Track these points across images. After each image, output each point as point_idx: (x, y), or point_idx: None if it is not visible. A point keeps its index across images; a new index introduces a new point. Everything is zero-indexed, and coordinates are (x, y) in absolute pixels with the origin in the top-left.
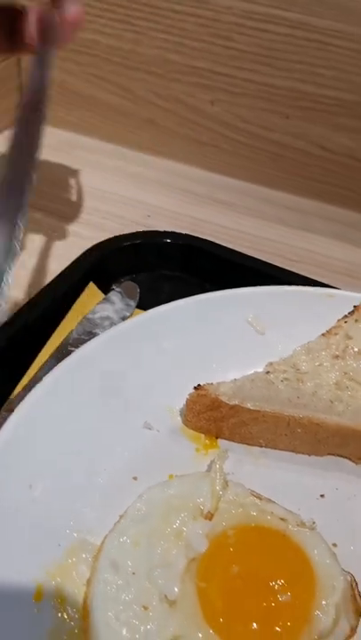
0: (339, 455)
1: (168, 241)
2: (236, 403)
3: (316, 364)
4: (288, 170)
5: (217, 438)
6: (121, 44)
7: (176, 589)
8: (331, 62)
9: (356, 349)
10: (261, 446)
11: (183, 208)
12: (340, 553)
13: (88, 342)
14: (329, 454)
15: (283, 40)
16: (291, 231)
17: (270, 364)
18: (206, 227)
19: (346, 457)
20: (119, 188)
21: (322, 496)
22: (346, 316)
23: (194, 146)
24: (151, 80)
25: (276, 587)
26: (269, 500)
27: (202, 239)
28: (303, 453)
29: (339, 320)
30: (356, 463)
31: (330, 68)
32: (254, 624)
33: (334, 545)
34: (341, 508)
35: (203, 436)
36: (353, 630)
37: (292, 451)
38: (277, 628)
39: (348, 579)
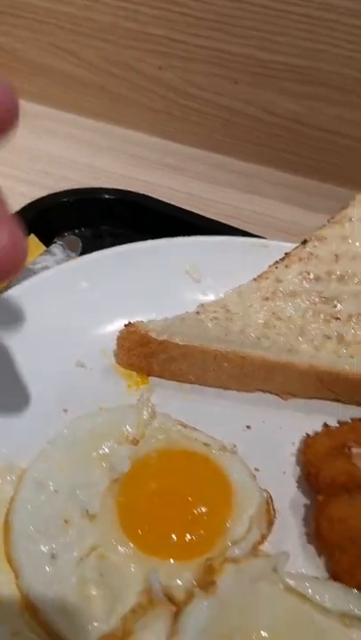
0: (267, 391)
1: (110, 197)
2: (165, 338)
3: (247, 305)
4: (238, 135)
5: (148, 376)
6: (75, 12)
7: (96, 504)
8: (284, 29)
9: (285, 292)
10: (192, 383)
11: (134, 172)
12: (260, 476)
13: (23, 282)
14: (257, 390)
15: (238, 7)
16: (240, 195)
17: (201, 305)
18: (156, 190)
19: (274, 393)
20: (71, 153)
21: (248, 427)
22: (277, 262)
23: (146, 113)
24: (105, 47)
25: (194, 502)
26: (195, 429)
27: (145, 195)
28: (232, 389)
29: (270, 266)
30: (285, 399)
31: (283, 35)
32: (171, 534)
33: (256, 470)
34: (266, 438)
35: (135, 374)
36: (263, 537)
37: (222, 387)
38: (192, 537)
39: (265, 495)
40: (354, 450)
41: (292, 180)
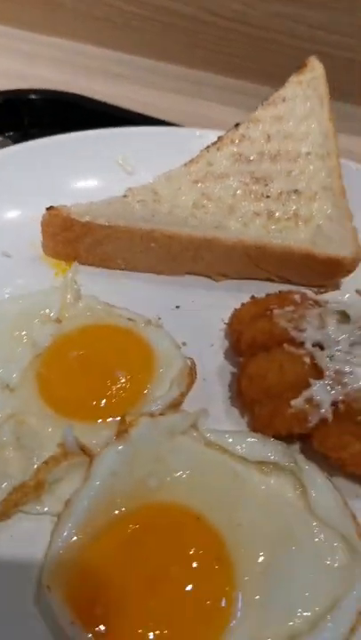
0: (198, 273)
1: (37, 97)
2: (88, 220)
3: (176, 188)
4: (180, 40)
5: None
6: None
7: (16, 378)
8: None
9: (216, 174)
10: (121, 268)
11: (74, 81)
12: (187, 349)
13: None
14: (188, 273)
15: None
16: (183, 99)
17: (129, 189)
18: (95, 97)
19: (205, 275)
20: (10, 64)
21: (177, 307)
22: (209, 146)
23: (88, 21)
24: None
25: (114, 369)
26: (121, 308)
27: (74, 94)
28: (163, 273)
29: (202, 150)
30: (216, 280)
31: None
32: (89, 398)
33: (184, 344)
34: (195, 315)
35: (63, 263)
36: (183, 395)
37: (152, 271)
38: (111, 399)
39: (188, 362)
40: (275, 311)
41: (233, 83)
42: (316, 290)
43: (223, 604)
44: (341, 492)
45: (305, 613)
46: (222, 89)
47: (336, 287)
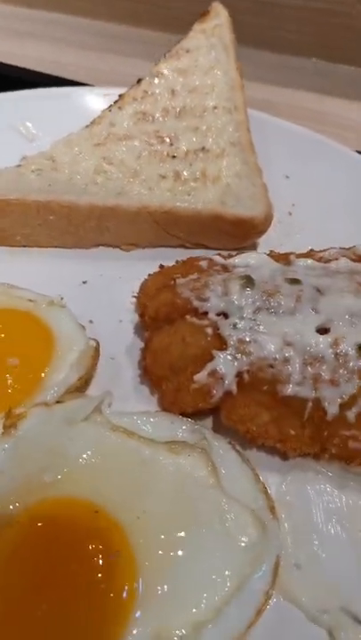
0: (106, 245)
1: None
2: None
3: (76, 153)
4: None
5: None
6: None
7: None
8: None
9: (118, 135)
10: (22, 245)
11: None
12: (94, 327)
13: None
14: (96, 245)
15: None
16: (92, 54)
17: (24, 157)
18: (3, 57)
19: (115, 245)
20: None
21: (84, 282)
22: (111, 106)
23: None
24: None
25: (7, 356)
26: (21, 289)
27: None
28: (67, 247)
29: (103, 110)
30: (126, 250)
31: None
32: None
33: (90, 322)
34: (103, 290)
35: None
36: (83, 379)
37: (56, 246)
38: (6, 390)
39: (92, 343)
40: (178, 281)
41: (151, 36)
42: (227, 254)
43: (125, 597)
44: (253, 466)
45: (211, 599)
46: (136, 41)
47: (253, 249)
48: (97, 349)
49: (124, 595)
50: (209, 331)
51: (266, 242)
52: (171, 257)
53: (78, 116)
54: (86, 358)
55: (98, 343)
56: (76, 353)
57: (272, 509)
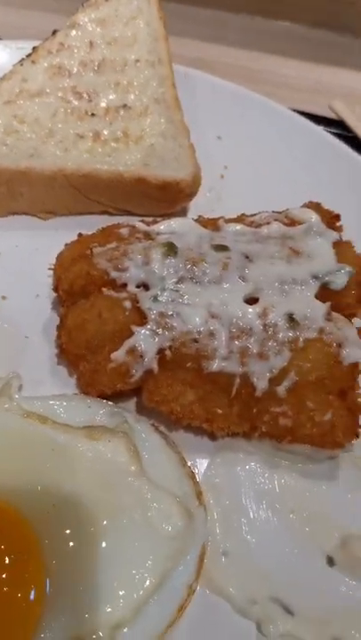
0: (21, 213)
1: None
2: None
3: None
4: None
5: None
6: None
7: None
8: None
9: (32, 91)
10: None
11: None
12: (8, 304)
13: None
14: (9, 213)
15: None
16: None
17: None
18: None
19: (31, 213)
20: None
21: None
22: (22, 60)
23: None
24: None
25: None
26: None
27: None
28: None
29: (14, 65)
30: (44, 218)
31: None
32: None
33: (4, 297)
34: (18, 262)
35: None
36: None
37: None
38: None
39: None
40: (95, 250)
41: None
42: (152, 219)
43: (31, 599)
44: (179, 449)
45: (129, 597)
46: None
47: (183, 215)
48: None
49: (31, 597)
50: (127, 304)
51: (196, 207)
52: (93, 225)
53: None
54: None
55: None
56: None
57: (199, 495)
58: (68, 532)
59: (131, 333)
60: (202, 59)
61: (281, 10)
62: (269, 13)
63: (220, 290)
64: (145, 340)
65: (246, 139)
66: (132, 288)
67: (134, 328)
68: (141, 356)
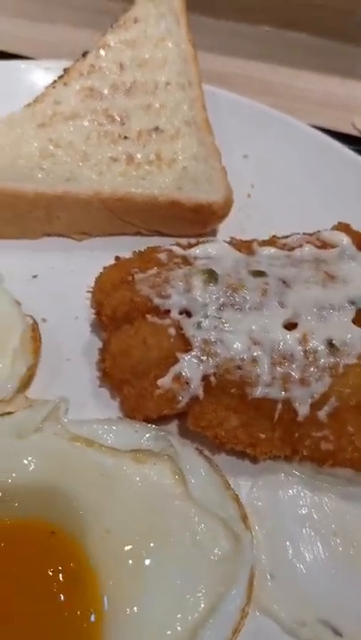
0: (56, 234)
1: None
2: None
3: (18, 134)
4: None
5: None
6: None
7: None
8: None
9: (65, 114)
10: None
11: None
12: (48, 326)
13: None
14: (45, 235)
15: None
16: (31, 23)
17: None
18: None
19: (66, 235)
20: None
21: (34, 277)
22: (55, 82)
23: None
24: None
25: None
26: None
27: None
28: (13, 238)
29: (47, 87)
30: (78, 240)
31: None
32: None
33: (44, 320)
34: (55, 284)
35: None
36: (31, 370)
37: (1, 237)
38: None
39: (30, 321)
40: (137, 276)
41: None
42: (187, 242)
43: (92, 621)
44: (224, 473)
45: (185, 620)
46: (79, 10)
47: (213, 235)
48: (34, 329)
49: (92, 619)
50: (172, 331)
51: (226, 225)
52: (126, 246)
53: (18, 92)
54: (27, 340)
55: (36, 323)
56: (17, 337)
57: (244, 518)
58: (121, 555)
59: (176, 360)
60: (217, 72)
61: (298, 21)
62: (284, 25)
63: (260, 316)
64: (190, 366)
65: (272, 157)
66: (175, 315)
67: (179, 355)
68: (187, 383)
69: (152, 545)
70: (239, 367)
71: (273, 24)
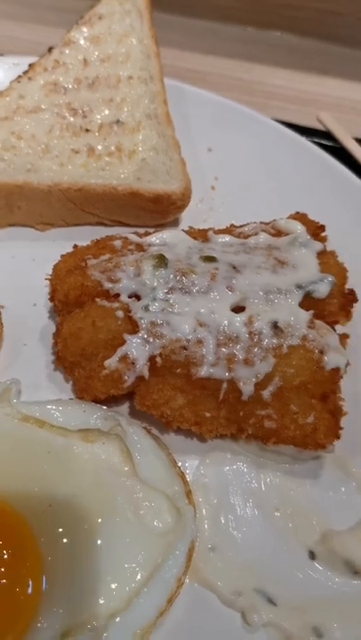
0: (19, 224)
1: None
2: None
3: None
4: None
5: None
6: None
7: None
8: None
9: (28, 108)
10: None
11: None
12: (6, 312)
13: None
14: (7, 225)
15: None
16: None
17: None
18: None
19: (28, 225)
20: None
21: None
22: (19, 77)
23: None
24: None
25: None
26: None
27: None
28: None
29: (12, 82)
30: (41, 230)
31: None
32: None
33: (2, 307)
34: (16, 272)
35: None
36: None
37: None
38: None
39: None
40: (89, 262)
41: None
42: (144, 231)
43: (29, 592)
44: (170, 450)
45: (122, 589)
46: (44, 7)
47: (175, 226)
48: None
49: (29, 590)
50: (120, 314)
51: (188, 217)
52: (88, 236)
53: None
54: None
55: None
56: None
57: (188, 494)
58: (63, 529)
59: (123, 341)
60: (194, 70)
61: (272, 20)
62: (261, 24)
63: (208, 299)
64: (137, 347)
65: (236, 151)
66: (124, 298)
67: (126, 336)
68: (133, 363)
69: (95, 519)
70: (185, 348)
71: (251, 24)
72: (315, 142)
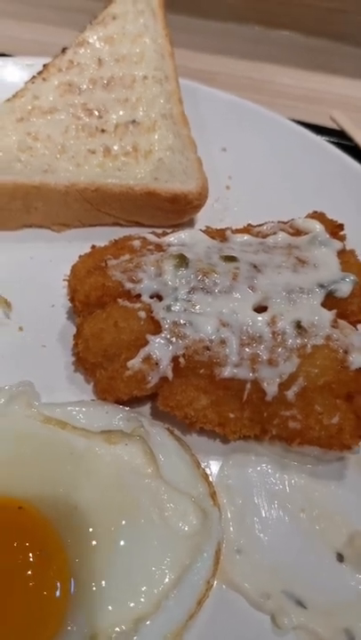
0: (36, 226)
1: None
2: None
3: None
4: None
5: None
6: None
7: None
8: None
9: (43, 109)
10: None
11: None
12: (23, 314)
13: None
14: (24, 226)
15: None
16: (11, 21)
17: None
18: None
19: (45, 226)
20: None
21: (12, 266)
22: (34, 77)
23: None
24: None
25: None
26: None
27: None
28: None
29: (26, 82)
30: (57, 231)
31: None
32: None
33: (20, 308)
34: (33, 274)
35: None
36: None
37: None
38: None
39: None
40: (110, 262)
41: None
42: (162, 231)
43: (58, 595)
44: (194, 452)
45: (150, 593)
46: (58, 8)
47: (191, 226)
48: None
49: (57, 593)
50: (142, 314)
51: (204, 217)
52: (105, 236)
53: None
54: None
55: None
56: None
57: (213, 496)
58: (89, 532)
59: (146, 342)
60: (204, 70)
61: (280, 19)
62: (269, 23)
63: (230, 299)
64: (160, 348)
65: (250, 150)
66: (146, 298)
67: (149, 337)
68: (157, 364)
69: (120, 521)
70: (208, 348)
71: (259, 23)
72: (328, 141)
